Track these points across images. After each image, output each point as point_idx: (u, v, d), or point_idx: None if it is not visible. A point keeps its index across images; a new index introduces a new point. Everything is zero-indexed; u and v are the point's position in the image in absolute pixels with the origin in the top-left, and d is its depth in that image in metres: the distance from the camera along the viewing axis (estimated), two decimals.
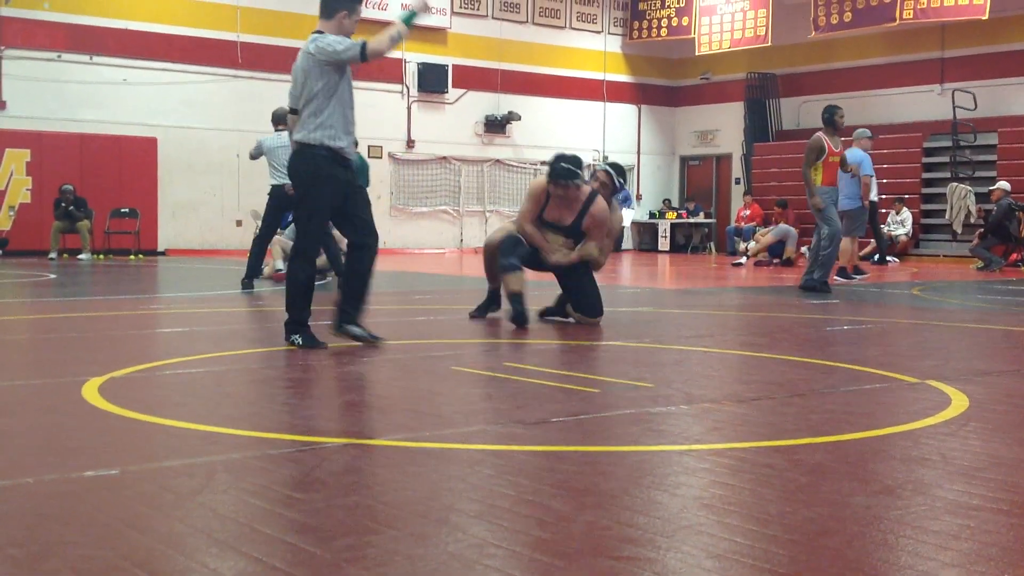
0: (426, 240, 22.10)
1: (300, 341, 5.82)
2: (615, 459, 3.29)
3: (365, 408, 4.32)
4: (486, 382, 4.85)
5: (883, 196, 19.48)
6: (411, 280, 13.58)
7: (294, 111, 5.77)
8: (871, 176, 13.29)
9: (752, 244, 18.23)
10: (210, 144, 19.80)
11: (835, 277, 12.64)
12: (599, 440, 3.58)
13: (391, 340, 6.16)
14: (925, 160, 20.41)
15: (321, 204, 5.73)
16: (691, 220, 24.39)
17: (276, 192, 10.51)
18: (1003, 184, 16.88)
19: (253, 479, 2.94)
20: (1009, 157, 18.80)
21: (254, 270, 10.56)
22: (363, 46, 5.58)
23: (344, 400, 4.51)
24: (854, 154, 12.74)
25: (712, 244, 23.94)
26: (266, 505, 2.68)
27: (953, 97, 19.84)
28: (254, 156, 11.17)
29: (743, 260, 17.73)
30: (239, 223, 19.79)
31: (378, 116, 21.06)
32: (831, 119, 10.68)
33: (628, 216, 22.00)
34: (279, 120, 10.78)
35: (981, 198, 18.04)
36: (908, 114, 21.10)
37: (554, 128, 23.58)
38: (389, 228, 21.43)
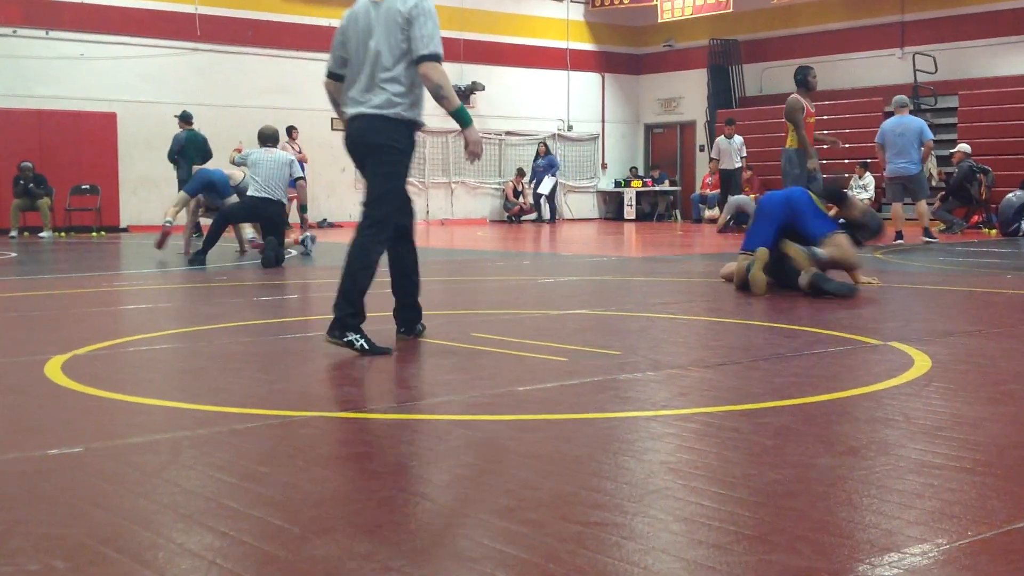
0: None
1: (365, 345, 4.71)
2: (581, 426, 3.31)
3: (331, 381, 4.30)
4: (453, 352, 4.84)
5: (846, 160, 19.61)
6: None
7: (338, 76, 5.06)
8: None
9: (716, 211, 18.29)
10: (170, 119, 19.55)
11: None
12: (565, 408, 3.59)
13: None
14: None
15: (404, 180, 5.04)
16: (656, 188, 24.43)
17: (252, 202, 10.51)
18: (963, 147, 17.01)
19: (220, 454, 2.93)
20: (969, 120, 18.94)
21: (209, 244, 10.63)
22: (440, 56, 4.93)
23: (311, 374, 4.49)
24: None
25: (677, 212, 24.01)
26: (233, 480, 2.67)
27: (914, 61, 19.95)
28: (236, 163, 11.37)
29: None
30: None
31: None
32: (804, 80, 10.67)
33: (548, 185, 21.89)
34: (268, 139, 10.79)
35: (942, 161, 18.18)
36: (869, 78, 21.19)
37: (518, 98, 23.50)
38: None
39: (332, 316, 4.78)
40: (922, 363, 4.34)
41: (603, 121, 25.23)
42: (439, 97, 4.93)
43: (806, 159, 10.32)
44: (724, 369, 4.36)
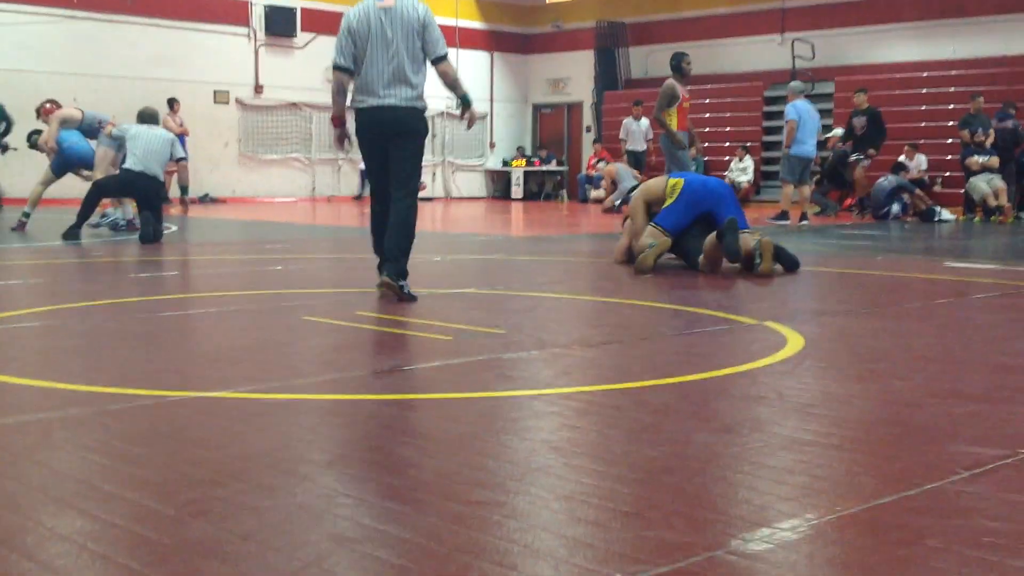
0: (277, 188, 21.63)
1: (411, 293, 5.78)
2: (465, 405, 3.32)
3: (211, 359, 4.22)
4: (338, 331, 4.80)
5: (727, 144, 20.03)
6: (262, 229, 13.29)
7: (347, 70, 5.93)
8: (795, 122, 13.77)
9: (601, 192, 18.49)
10: (45, 89, 18.82)
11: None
12: (450, 387, 3.60)
13: (239, 291, 6.03)
14: (766, 109, 21.00)
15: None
16: (544, 168, 24.57)
17: (128, 176, 10.17)
18: (838, 132, 17.52)
19: (92, 435, 2.85)
20: (845, 105, 19.51)
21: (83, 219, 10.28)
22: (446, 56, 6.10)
23: (190, 352, 4.40)
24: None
25: (564, 192, 24.19)
26: (106, 461, 2.60)
27: (793, 47, 20.45)
28: (114, 138, 10.95)
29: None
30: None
31: (224, 60, 20.42)
32: (679, 66, 10.87)
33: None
34: (147, 120, 10.51)
35: (818, 146, 18.71)
36: (751, 63, 21.65)
37: None
38: (238, 176, 20.90)
39: (388, 265, 5.76)
40: (795, 342, 4.47)
41: (492, 100, 25.23)
42: (454, 87, 6.09)
43: (675, 143, 10.56)
44: (606, 348, 4.43)
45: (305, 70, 21.79)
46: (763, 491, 2.42)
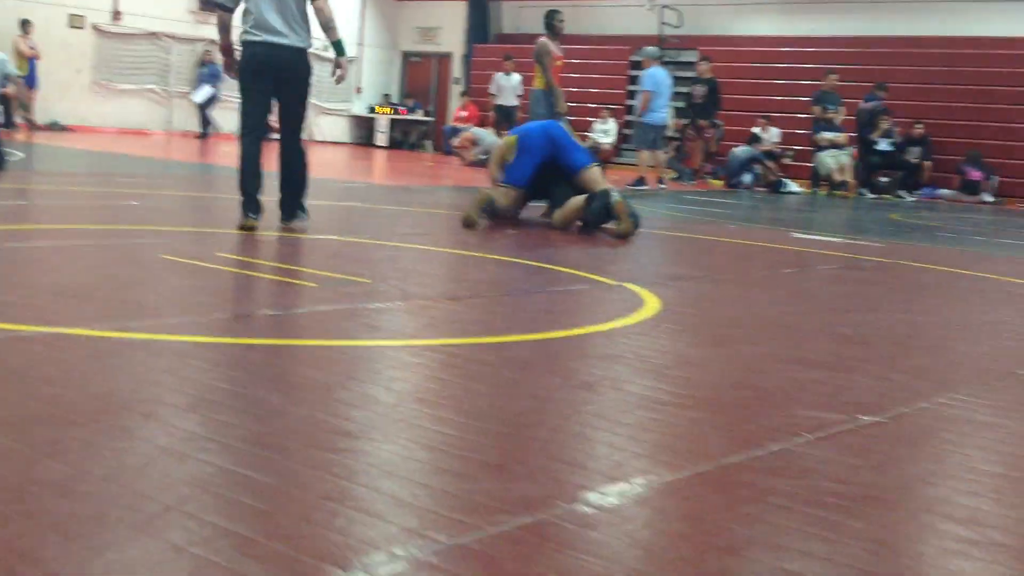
0: (131, 120, 20.81)
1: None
2: (331, 353, 3.31)
3: (66, 296, 4.08)
4: (197, 272, 4.70)
5: (591, 105, 20.24)
6: (115, 162, 12.81)
7: (229, 8, 6.29)
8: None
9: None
10: None
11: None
12: (316, 334, 3.58)
13: (92, 225, 5.83)
14: (632, 73, 21.28)
15: None
16: (410, 117, 24.36)
17: None
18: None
19: None
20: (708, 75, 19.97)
21: None
22: None
23: (40, 286, 4.24)
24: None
25: (429, 142, 24.06)
26: None
27: (660, 13, 20.75)
28: None
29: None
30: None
31: None
32: (551, 23, 10.93)
33: (203, 93, 20.22)
34: None
35: (681, 112, 19.11)
36: (617, 27, 21.87)
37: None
38: (90, 105, 20.01)
39: (286, 206, 6.23)
40: (652, 304, 4.60)
41: (361, 44, 24.80)
42: (329, 28, 6.27)
43: (553, 100, 10.62)
44: (470, 302, 4.47)
45: (167, 1, 20.97)
46: (619, 447, 2.51)
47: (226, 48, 6.40)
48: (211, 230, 6.29)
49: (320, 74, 23.63)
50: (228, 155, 15.93)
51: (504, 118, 18.57)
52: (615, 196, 7.50)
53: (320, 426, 2.50)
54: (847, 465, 2.48)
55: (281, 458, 2.24)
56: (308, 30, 6.22)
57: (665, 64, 18.50)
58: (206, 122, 20.19)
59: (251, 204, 6.07)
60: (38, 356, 2.98)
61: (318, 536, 1.85)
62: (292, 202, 6.25)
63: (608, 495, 2.15)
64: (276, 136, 6.40)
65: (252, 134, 6.23)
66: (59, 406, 2.50)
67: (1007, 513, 2.24)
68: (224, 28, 6.32)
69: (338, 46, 6.31)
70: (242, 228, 5.86)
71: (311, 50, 6.30)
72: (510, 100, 18.71)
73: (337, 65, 6.31)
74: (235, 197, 6.12)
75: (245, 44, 6.15)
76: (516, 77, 18.68)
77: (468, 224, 7.24)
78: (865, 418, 2.88)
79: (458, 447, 2.42)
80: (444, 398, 2.86)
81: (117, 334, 3.30)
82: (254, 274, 4.67)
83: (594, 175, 7.73)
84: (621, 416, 2.81)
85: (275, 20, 6.08)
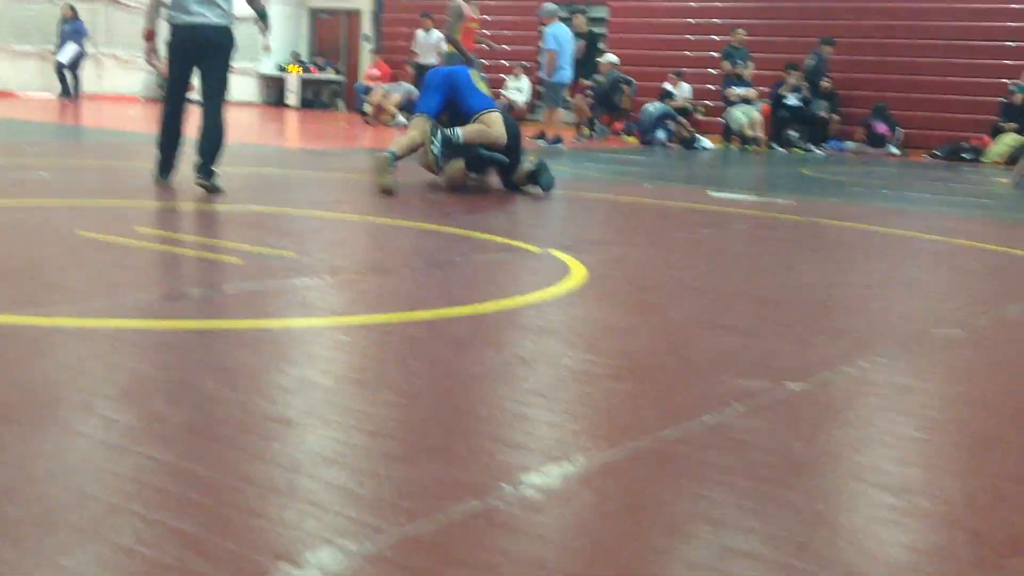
0: (30, 83, 20.12)
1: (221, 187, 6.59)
2: (263, 335, 3.29)
3: None
4: (117, 250, 4.60)
5: (504, 63, 20.15)
6: (17, 128, 12.40)
7: None
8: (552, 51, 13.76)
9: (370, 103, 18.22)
10: None
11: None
12: (246, 315, 3.55)
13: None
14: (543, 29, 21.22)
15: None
16: (320, 76, 23.99)
17: None
18: (610, 57, 17.98)
19: None
20: (618, 31, 20.04)
21: None
22: None
23: None
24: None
25: (341, 101, 23.74)
26: None
27: None
28: None
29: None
30: None
31: None
32: None
33: (69, 52, 18.72)
34: None
35: (584, 69, 19.12)
36: None
37: None
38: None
39: (202, 168, 6.55)
40: (578, 272, 4.64)
41: (266, 2, 24.26)
42: (253, 2, 6.97)
43: (467, 61, 10.58)
44: (398, 275, 4.46)
45: None
46: (559, 425, 2.55)
47: (149, 33, 6.94)
48: (127, 203, 6.16)
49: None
50: (118, 117, 15.54)
51: (423, 76, 18.36)
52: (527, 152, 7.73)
53: (258, 413, 2.49)
54: (778, 435, 2.56)
55: (222, 448, 2.24)
56: (228, 7, 6.72)
57: (566, 20, 18.50)
58: (74, 84, 19.16)
59: (166, 164, 6.84)
60: None
61: (268, 531, 1.86)
62: (206, 164, 6.62)
63: (551, 476, 2.19)
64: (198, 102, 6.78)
65: (172, 100, 6.86)
66: None
67: (934, 479, 2.34)
68: (153, 9, 6.92)
69: (263, 16, 7.01)
70: (156, 183, 6.65)
71: (231, 24, 6.77)
72: (430, 58, 18.52)
73: (263, 33, 7.05)
74: (144, 166, 5.99)
75: (171, 26, 6.69)
76: (436, 34, 18.46)
77: (386, 191, 7.20)
78: (791, 385, 2.97)
79: (400, 431, 2.43)
80: (381, 379, 2.87)
81: (39, 320, 3.23)
82: (177, 250, 4.59)
83: (489, 119, 7.79)
84: (558, 392, 2.85)
85: (192, 3, 6.62)
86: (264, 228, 5.69)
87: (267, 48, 7.06)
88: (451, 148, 7.56)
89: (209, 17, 6.68)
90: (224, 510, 1.93)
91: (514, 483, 2.14)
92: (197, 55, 6.72)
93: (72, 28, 18.94)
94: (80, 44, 18.88)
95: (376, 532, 1.87)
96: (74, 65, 19.07)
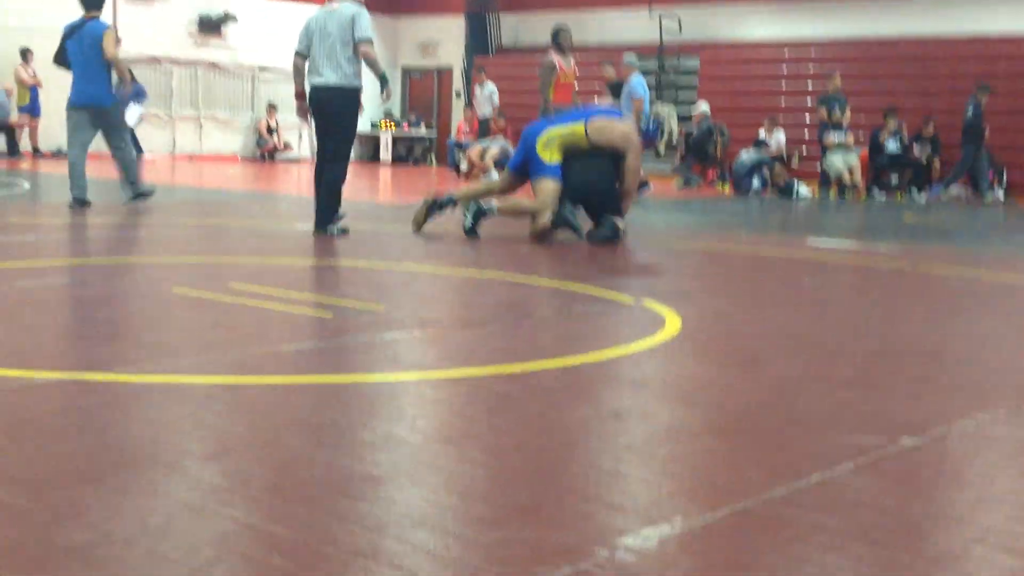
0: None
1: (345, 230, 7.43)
2: (352, 391, 3.23)
3: (79, 337, 4.01)
4: (211, 307, 4.62)
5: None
6: (117, 189, 12.74)
7: (304, 55, 7.54)
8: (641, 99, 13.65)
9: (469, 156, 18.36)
10: None
11: None
12: (334, 370, 3.50)
13: (97, 257, 5.75)
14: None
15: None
16: (412, 133, 24.31)
17: None
18: (703, 107, 17.85)
19: None
20: (709, 81, 19.91)
21: None
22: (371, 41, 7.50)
23: (52, 328, 4.17)
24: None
25: (433, 156, 24.00)
26: None
27: (660, 20, 20.68)
28: None
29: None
30: None
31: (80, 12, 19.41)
32: (555, 39, 10.87)
33: (135, 113, 19.13)
34: None
35: (684, 120, 19.03)
36: (619, 36, 21.80)
37: (273, 32, 22.67)
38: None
39: (317, 221, 7.44)
40: (673, 323, 4.50)
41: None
42: (373, 67, 7.41)
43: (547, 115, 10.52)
44: (489, 328, 4.39)
45: (166, 24, 20.97)
46: (655, 484, 2.42)
47: (299, 92, 7.62)
48: (223, 260, 6.22)
49: None
50: (217, 176, 15.88)
51: (483, 130, 18.60)
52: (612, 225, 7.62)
53: (344, 471, 2.42)
54: (893, 494, 2.39)
55: (306, 509, 2.16)
56: (350, 71, 7.30)
57: (664, 72, 18.45)
58: (135, 144, 19.37)
59: (317, 218, 7.45)
60: (67, 406, 2.90)
61: None
62: (321, 216, 7.35)
63: (648, 539, 2.06)
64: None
65: (318, 160, 7.58)
66: (76, 461, 2.42)
67: None
68: (298, 72, 7.60)
69: (382, 80, 7.41)
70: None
71: (352, 87, 7.36)
72: (485, 110, 18.73)
73: (383, 93, 7.46)
74: (242, 223, 6.03)
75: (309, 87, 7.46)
76: (489, 87, 18.68)
77: (416, 227, 7.92)
78: (906, 440, 2.79)
79: (489, 490, 2.33)
80: (470, 436, 2.78)
81: (135, 378, 3.22)
82: (268, 306, 4.59)
83: (539, 187, 7.71)
84: (653, 449, 2.72)
85: (322, 64, 7.31)
86: (354, 282, 5.68)
87: (386, 100, 7.72)
88: (483, 217, 7.71)
89: (330, 79, 7.26)
90: (306, 574, 1.85)
91: (609, 546, 2.02)
92: (322, 115, 7.36)
93: (135, 90, 19.21)
94: (141, 105, 18.97)
95: None
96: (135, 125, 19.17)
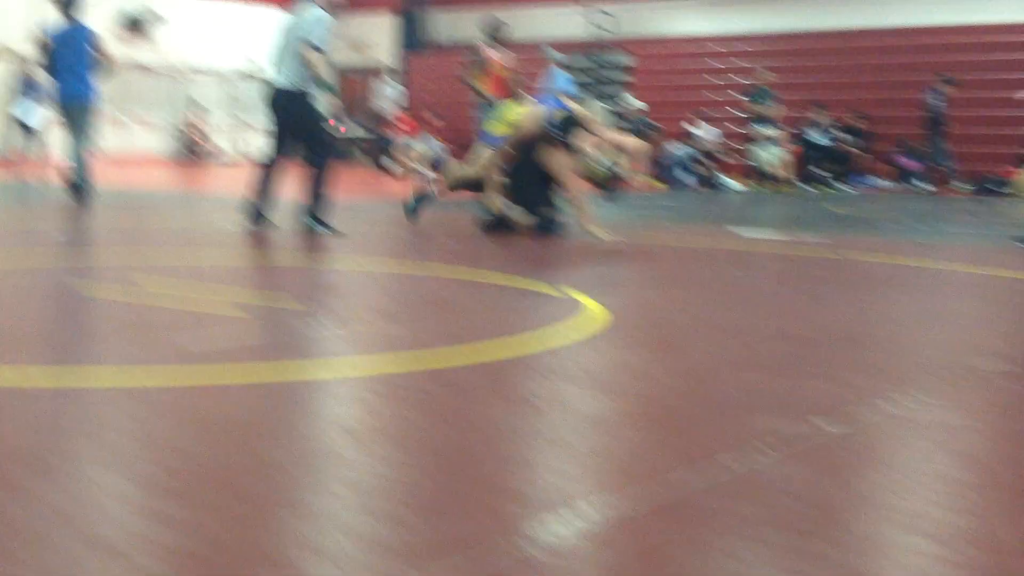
0: (54, 146, 20.22)
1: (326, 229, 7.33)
2: (256, 389, 3.09)
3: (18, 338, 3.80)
4: (121, 308, 4.44)
5: None
6: (36, 190, 12.40)
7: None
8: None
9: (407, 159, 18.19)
10: None
11: None
12: (241, 370, 3.35)
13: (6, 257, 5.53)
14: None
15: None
16: (348, 134, 24.03)
17: None
18: (637, 103, 17.86)
19: None
20: (643, 78, 19.94)
21: None
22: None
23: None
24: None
25: (370, 156, 23.74)
26: None
27: (592, 17, 20.68)
28: None
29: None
30: None
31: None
32: (489, 33, 10.83)
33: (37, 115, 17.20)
34: None
35: (619, 116, 19.03)
36: (551, 32, 21.76)
37: (202, 33, 22.29)
38: (10, 134, 19.40)
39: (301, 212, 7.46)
40: (598, 314, 4.41)
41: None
42: (310, 69, 7.33)
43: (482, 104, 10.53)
44: (409, 323, 4.27)
45: (92, 23, 20.43)
46: (568, 475, 2.33)
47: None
48: (136, 261, 6.02)
49: (251, 93, 23.32)
50: (138, 177, 15.52)
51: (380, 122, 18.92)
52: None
53: (241, 468, 2.29)
54: (809, 480, 2.31)
55: (194, 516, 2.02)
56: (301, 74, 7.24)
57: (599, 69, 18.46)
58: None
59: (255, 216, 7.38)
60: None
61: None
62: (306, 209, 7.41)
63: (554, 530, 1.96)
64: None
65: (269, 159, 7.60)
66: None
67: (984, 526, 2.09)
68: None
69: (324, 87, 7.49)
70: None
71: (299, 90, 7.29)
72: (382, 103, 18.97)
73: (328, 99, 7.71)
74: (162, 224, 5.85)
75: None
76: (392, 85, 19.00)
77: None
78: (823, 424, 2.72)
79: (391, 485, 2.22)
80: (377, 431, 2.66)
81: (25, 382, 3.04)
82: (177, 307, 4.42)
83: (480, 154, 8.17)
84: (568, 438, 2.63)
85: (278, 65, 7.37)
86: (275, 281, 5.53)
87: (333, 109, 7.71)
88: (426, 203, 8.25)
89: (280, 80, 7.32)
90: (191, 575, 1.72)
91: (509, 536, 1.91)
92: (277, 116, 7.41)
93: (40, 90, 17.59)
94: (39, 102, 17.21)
95: None
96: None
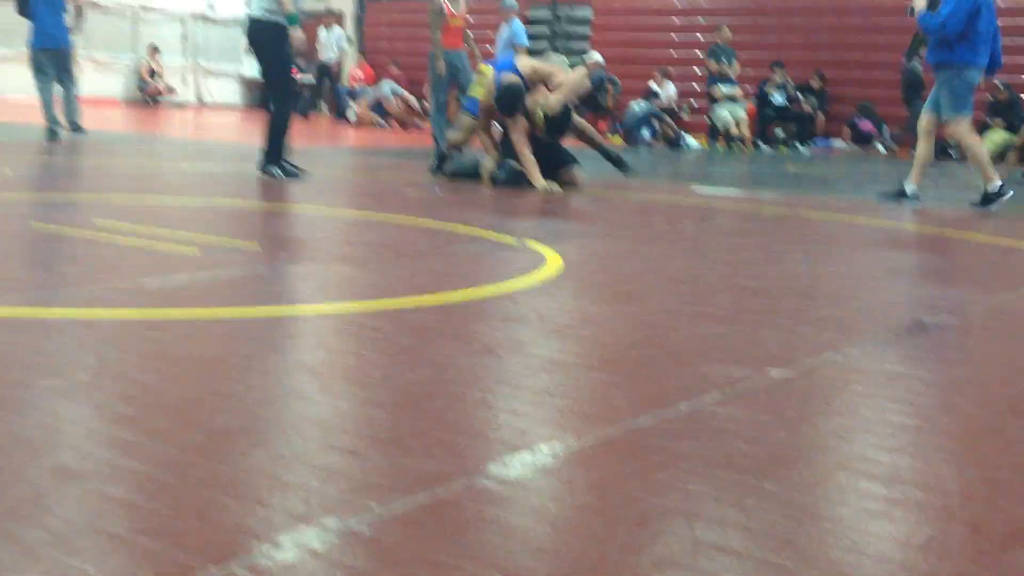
0: (9, 86, 19.82)
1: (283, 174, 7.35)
2: (214, 326, 3.10)
3: None
4: (70, 242, 4.41)
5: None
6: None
7: None
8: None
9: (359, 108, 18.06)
10: None
11: None
12: (194, 304, 3.35)
13: None
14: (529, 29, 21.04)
15: None
16: (302, 80, 23.73)
17: None
18: (596, 56, 17.81)
19: None
20: (603, 31, 19.88)
21: None
22: None
23: None
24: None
25: (323, 103, 23.50)
26: None
27: None
28: None
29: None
30: None
31: None
32: None
33: None
34: None
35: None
36: None
37: None
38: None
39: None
40: (554, 262, 4.45)
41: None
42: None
43: (436, 66, 10.34)
44: (365, 266, 4.28)
45: None
46: (523, 414, 2.37)
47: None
48: (91, 198, 5.95)
49: (207, 34, 22.93)
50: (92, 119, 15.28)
51: (324, 74, 18.66)
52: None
53: (197, 404, 2.30)
54: (759, 423, 2.38)
55: (152, 442, 2.04)
56: (270, 5, 7.14)
57: (558, 22, 18.32)
58: None
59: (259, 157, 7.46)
60: None
61: (191, 532, 1.67)
62: (263, 155, 7.44)
63: (511, 467, 2.01)
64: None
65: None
66: None
67: (927, 468, 2.16)
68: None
69: (289, 19, 7.22)
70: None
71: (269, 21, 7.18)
72: (329, 55, 18.72)
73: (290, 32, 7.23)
74: (117, 163, 5.78)
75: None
76: (337, 31, 18.70)
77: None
78: (774, 372, 2.79)
79: (349, 422, 2.25)
80: (336, 369, 2.68)
81: None
82: (131, 242, 4.39)
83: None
84: (524, 381, 2.66)
85: None
86: (231, 221, 5.50)
87: (292, 44, 7.35)
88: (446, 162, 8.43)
89: (253, 10, 7.25)
90: (144, 504, 1.74)
91: (469, 474, 1.95)
92: (251, 48, 7.39)
93: None
94: None
95: (312, 527, 1.68)
96: None
